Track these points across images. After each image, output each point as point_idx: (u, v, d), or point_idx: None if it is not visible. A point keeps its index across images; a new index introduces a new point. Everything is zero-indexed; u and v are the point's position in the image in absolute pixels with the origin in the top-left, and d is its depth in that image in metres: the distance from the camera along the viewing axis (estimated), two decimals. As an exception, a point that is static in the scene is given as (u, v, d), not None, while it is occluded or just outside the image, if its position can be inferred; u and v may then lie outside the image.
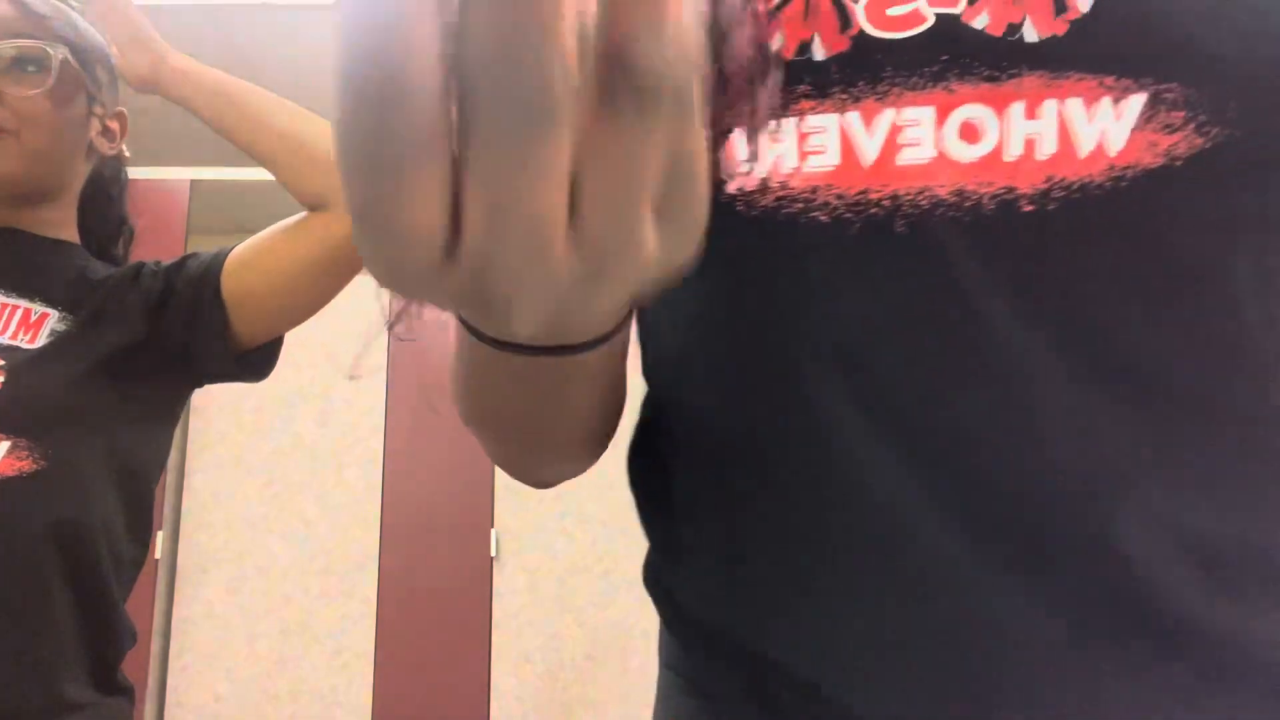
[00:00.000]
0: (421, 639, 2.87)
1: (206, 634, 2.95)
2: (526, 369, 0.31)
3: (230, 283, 0.87)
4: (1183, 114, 0.31)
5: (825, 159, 0.34)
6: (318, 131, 0.89)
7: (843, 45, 0.34)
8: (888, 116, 0.33)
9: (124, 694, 0.82)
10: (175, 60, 0.90)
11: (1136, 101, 0.31)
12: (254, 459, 3.07)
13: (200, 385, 0.92)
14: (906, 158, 0.33)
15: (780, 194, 0.35)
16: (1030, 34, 0.33)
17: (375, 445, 3.02)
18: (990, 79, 0.33)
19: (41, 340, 0.81)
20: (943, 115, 0.33)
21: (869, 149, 0.33)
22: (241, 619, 2.96)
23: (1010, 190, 0.32)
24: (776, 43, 0.35)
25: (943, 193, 0.33)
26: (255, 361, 0.92)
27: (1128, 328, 0.32)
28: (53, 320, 0.83)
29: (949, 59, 0.33)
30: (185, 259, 0.91)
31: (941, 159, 0.33)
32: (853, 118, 0.34)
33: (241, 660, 2.94)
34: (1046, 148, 0.32)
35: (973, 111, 0.32)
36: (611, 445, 0.46)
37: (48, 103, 0.86)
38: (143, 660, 2.80)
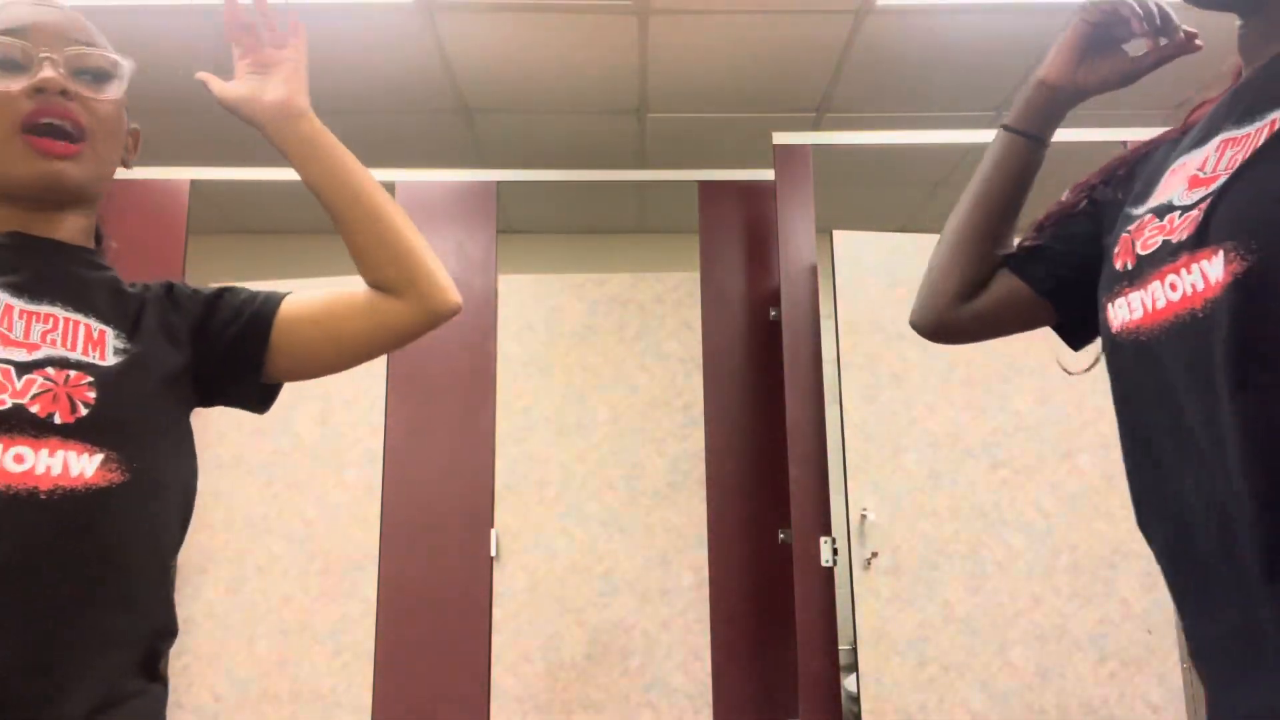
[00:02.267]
0: (421, 639, 2.87)
1: (206, 634, 2.95)
2: (1008, 149, 0.97)
3: (283, 329, 0.94)
4: (1235, 252, 0.65)
5: (1133, 315, 0.74)
6: (405, 225, 0.96)
7: (1134, 261, 0.76)
8: (1153, 287, 0.73)
9: (163, 681, 0.88)
10: (307, 123, 0.94)
11: (1220, 254, 0.66)
12: (254, 459, 3.07)
13: (209, 406, 0.98)
14: (1155, 306, 0.72)
15: (1122, 329, 0.76)
16: (1183, 236, 0.71)
17: (375, 445, 3.03)
18: (1177, 255, 0.71)
19: (110, 357, 0.83)
20: (1164, 281, 0.72)
21: (1142, 306, 0.73)
22: (241, 619, 2.96)
23: (1193, 307, 0.68)
24: (1121, 263, 0.77)
25: (1168, 315, 0.71)
26: (267, 398, 1.00)
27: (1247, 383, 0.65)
28: (110, 337, 0.85)
29: (1167, 258, 0.72)
30: (223, 291, 0.97)
31: (1168, 304, 0.71)
32: (1137, 294, 0.74)
33: (241, 660, 2.94)
34: (1199, 285, 0.68)
35: (1174, 278, 0.70)
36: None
37: (115, 111, 0.89)
38: (143, 660, 2.81)
